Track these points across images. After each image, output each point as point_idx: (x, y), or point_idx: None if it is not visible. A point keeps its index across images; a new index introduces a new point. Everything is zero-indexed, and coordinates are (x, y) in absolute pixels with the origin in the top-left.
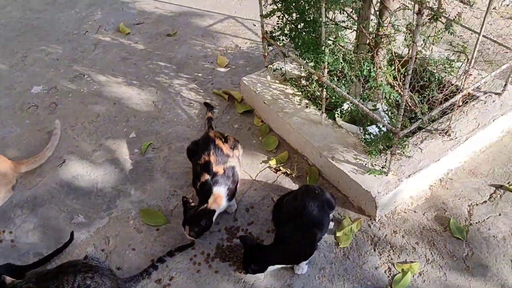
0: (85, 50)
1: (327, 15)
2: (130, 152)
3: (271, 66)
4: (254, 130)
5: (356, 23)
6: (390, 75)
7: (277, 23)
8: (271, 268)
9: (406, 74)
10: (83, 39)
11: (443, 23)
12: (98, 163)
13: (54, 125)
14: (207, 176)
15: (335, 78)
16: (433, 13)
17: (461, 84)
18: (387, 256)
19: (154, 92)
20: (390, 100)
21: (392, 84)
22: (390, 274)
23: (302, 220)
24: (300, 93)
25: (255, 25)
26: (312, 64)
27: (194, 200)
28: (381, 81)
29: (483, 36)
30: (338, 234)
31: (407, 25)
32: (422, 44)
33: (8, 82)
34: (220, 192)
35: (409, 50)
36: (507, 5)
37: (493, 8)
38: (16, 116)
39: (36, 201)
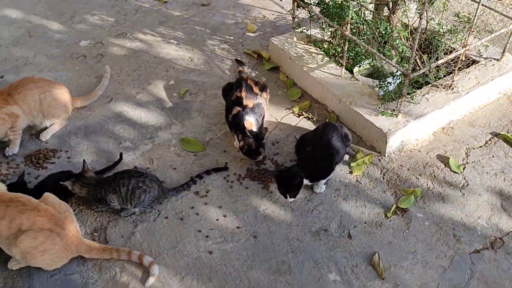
0: (127, 13)
1: None
2: (170, 96)
3: (297, 29)
4: (280, 84)
5: None
6: (404, 35)
7: None
8: (304, 182)
9: (415, 31)
10: (125, 5)
11: None
12: (141, 103)
13: (105, 69)
14: (238, 109)
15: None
16: None
17: (464, 42)
18: (394, 183)
19: (190, 49)
20: (402, 54)
21: (404, 42)
22: (396, 197)
23: (322, 143)
24: (322, 52)
25: (281, 0)
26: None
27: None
28: (396, 37)
29: (482, 5)
30: (352, 164)
31: None
32: (431, 14)
33: (59, 36)
34: (250, 120)
35: (420, 16)
36: None
37: None
38: (67, 63)
39: (87, 129)
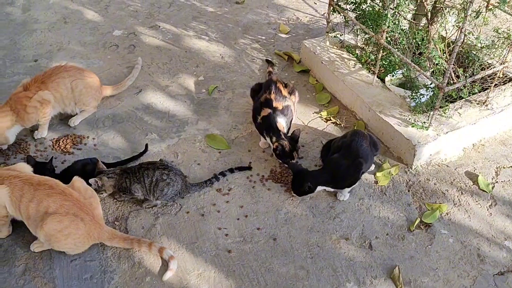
0: (161, 6)
1: None
2: (198, 91)
3: (331, 33)
4: (309, 87)
5: None
6: (440, 48)
7: None
8: (319, 188)
9: (454, 44)
10: None
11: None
12: (170, 96)
13: (137, 60)
14: (268, 111)
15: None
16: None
17: (503, 59)
18: (419, 197)
19: (221, 46)
20: (438, 66)
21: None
22: (420, 211)
23: (350, 150)
24: (355, 58)
25: (316, 3)
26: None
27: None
28: (432, 49)
29: None
30: (378, 174)
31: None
32: (471, 28)
33: (93, 24)
34: (281, 123)
35: (459, 29)
36: None
37: None
38: (99, 51)
39: (115, 118)
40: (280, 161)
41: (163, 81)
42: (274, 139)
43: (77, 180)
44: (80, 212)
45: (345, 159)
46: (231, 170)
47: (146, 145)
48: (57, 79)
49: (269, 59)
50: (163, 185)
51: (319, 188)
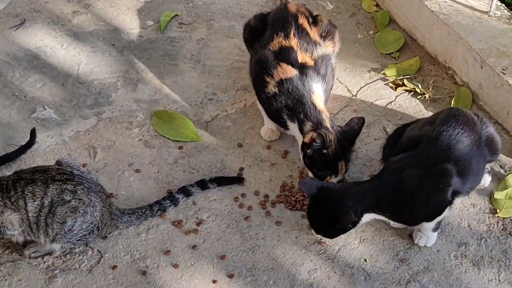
0: None
1: None
2: (140, 25)
3: None
4: (362, 17)
5: None
6: None
7: None
8: (368, 217)
9: None
10: None
11: None
12: (82, 34)
13: None
14: (292, 71)
15: None
16: None
17: None
18: None
19: None
20: None
21: None
22: None
23: (435, 147)
24: None
25: None
26: None
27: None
28: None
29: None
30: (497, 196)
31: None
32: None
33: None
34: (319, 93)
35: None
36: None
37: None
38: None
39: None
40: (310, 171)
41: (69, 4)
42: (308, 125)
43: None
44: None
45: (422, 164)
46: (202, 184)
47: (33, 132)
48: None
49: None
50: (64, 213)
51: (368, 216)
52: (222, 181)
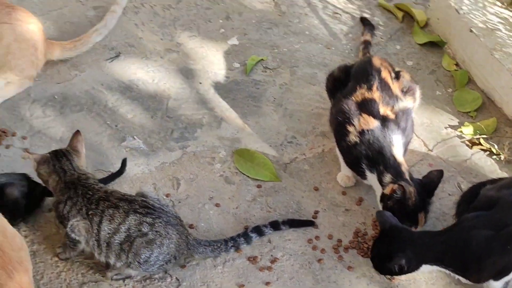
0: None
1: None
2: (227, 66)
3: None
4: (441, 75)
5: None
6: None
7: None
8: (428, 268)
9: None
10: None
11: None
12: (172, 71)
13: None
14: (374, 122)
15: None
16: None
17: None
18: None
19: None
20: None
21: None
22: None
23: (508, 212)
24: None
25: None
26: None
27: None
28: None
29: None
30: None
31: None
32: None
33: None
34: (399, 146)
35: None
36: None
37: None
38: None
39: (67, 102)
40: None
41: (162, 42)
42: (387, 177)
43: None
44: (2, 273)
45: (493, 225)
46: (275, 225)
47: (124, 162)
48: None
49: (367, 17)
50: (142, 245)
51: (429, 268)
52: (294, 223)
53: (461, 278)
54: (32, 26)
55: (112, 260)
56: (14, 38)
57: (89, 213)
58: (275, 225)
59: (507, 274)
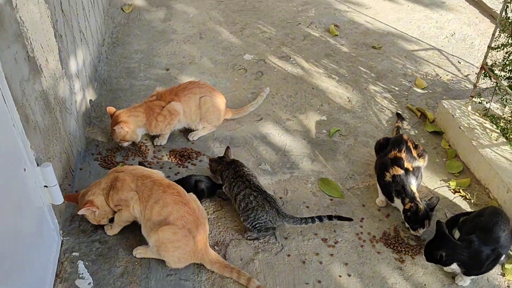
0: (295, 38)
1: None
2: (319, 131)
3: (476, 98)
4: (440, 151)
5: None
6: None
7: (503, 59)
8: (454, 266)
9: None
10: (295, 29)
11: None
12: (289, 130)
13: (263, 88)
14: (400, 171)
15: None
16: None
17: None
18: None
19: (350, 90)
20: None
21: None
22: None
23: (490, 234)
24: (498, 131)
25: (459, 63)
26: None
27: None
28: None
29: None
30: (507, 266)
31: None
32: None
33: (226, 44)
34: (414, 185)
35: None
36: None
37: None
38: (228, 72)
39: (232, 141)
40: (408, 226)
41: (285, 114)
42: (407, 200)
43: (194, 198)
44: (195, 230)
45: (485, 244)
46: (330, 217)
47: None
48: (189, 93)
49: (400, 112)
50: (247, 206)
51: (454, 266)
52: (340, 218)
53: (461, 275)
54: (220, 99)
55: (244, 223)
56: (212, 104)
57: (233, 181)
58: (329, 217)
59: (484, 273)
